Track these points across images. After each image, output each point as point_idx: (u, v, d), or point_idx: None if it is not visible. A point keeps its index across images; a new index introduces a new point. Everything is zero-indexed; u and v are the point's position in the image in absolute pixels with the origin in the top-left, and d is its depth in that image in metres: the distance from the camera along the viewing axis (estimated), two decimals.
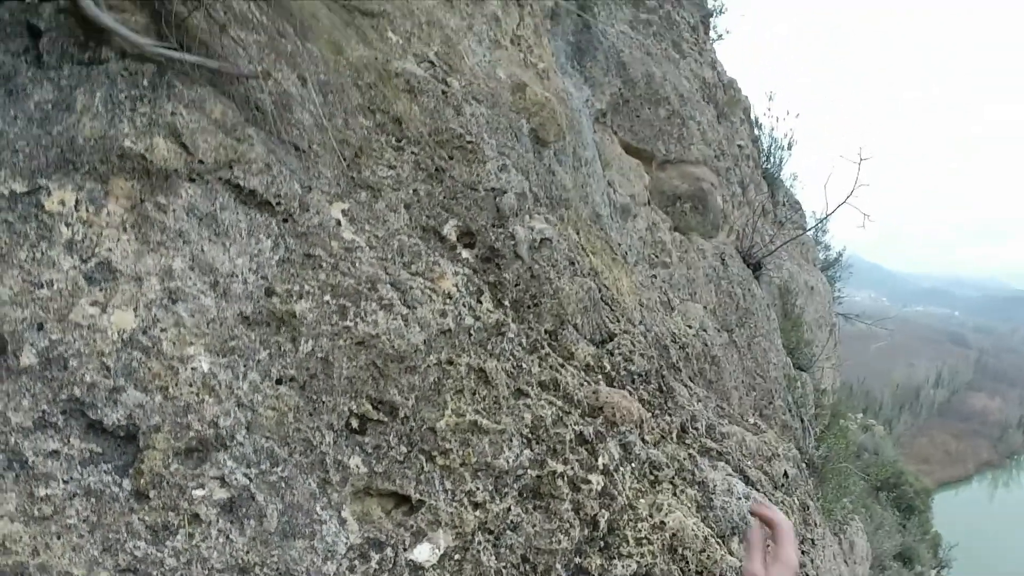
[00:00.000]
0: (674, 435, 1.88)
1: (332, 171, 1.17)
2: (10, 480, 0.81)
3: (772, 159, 6.07)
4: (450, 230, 1.43)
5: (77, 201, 0.88)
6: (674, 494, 1.56)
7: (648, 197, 3.33)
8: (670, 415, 1.94)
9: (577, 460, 1.34)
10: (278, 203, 1.04)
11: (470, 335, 1.28)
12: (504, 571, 1.15)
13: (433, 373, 1.18)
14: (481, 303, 1.41)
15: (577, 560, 1.24)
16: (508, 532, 1.16)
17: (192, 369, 0.94)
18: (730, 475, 1.91)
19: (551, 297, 1.65)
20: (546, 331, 1.59)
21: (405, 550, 1.05)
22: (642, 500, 1.45)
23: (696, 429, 2.10)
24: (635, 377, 1.89)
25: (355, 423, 1.08)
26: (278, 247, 1.04)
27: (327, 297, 1.08)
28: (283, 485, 0.98)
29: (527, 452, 1.26)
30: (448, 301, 1.29)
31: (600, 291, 2.08)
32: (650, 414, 1.81)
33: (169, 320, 0.94)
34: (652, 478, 1.56)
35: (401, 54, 1.41)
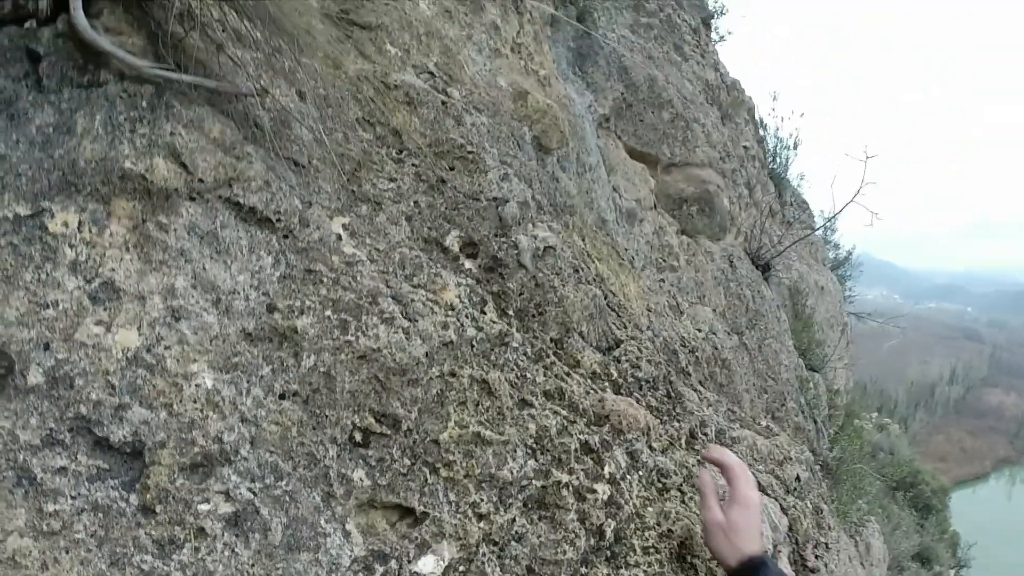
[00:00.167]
0: (683, 441, 1.88)
1: (332, 185, 1.19)
2: (19, 496, 0.82)
3: (778, 159, 6.05)
4: (452, 241, 1.44)
5: (80, 223, 0.89)
6: (682, 501, 1.55)
7: (654, 201, 3.33)
8: (679, 421, 1.94)
9: (583, 469, 1.34)
10: (278, 219, 1.05)
11: (472, 346, 1.29)
12: None
13: (436, 385, 1.19)
14: (484, 313, 1.42)
15: (583, 570, 1.24)
16: (513, 543, 1.16)
17: (196, 386, 0.96)
18: None
19: (556, 305, 1.65)
20: (551, 339, 1.59)
21: (409, 562, 1.06)
22: (650, 508, 1.45)
23: (705, 435, 2.09)
24: (643, 383, 1.88)
25: (358, 436, 1.09)
26: (279, 263, 1.05)
27: (328, 312, 1.09)
28: (287, 499, 0.99)
29: (532, 462, 1.27)
30: (450, 313, 1.30)
31: (606, 297, 2.08)
32: (658, 421, 1.80)
33: (173, 338, 0.95)
34: (660, 486, 1.56)
35: (400, 66, 1.42)
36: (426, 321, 1.22)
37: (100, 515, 0.86)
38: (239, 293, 1.01)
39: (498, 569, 1.14)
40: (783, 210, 5.59)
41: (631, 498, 1.42)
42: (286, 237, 1.07)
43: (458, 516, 1.13)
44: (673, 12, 3.62)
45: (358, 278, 1.16)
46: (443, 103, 1.49)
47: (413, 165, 1.40)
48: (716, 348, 3.42)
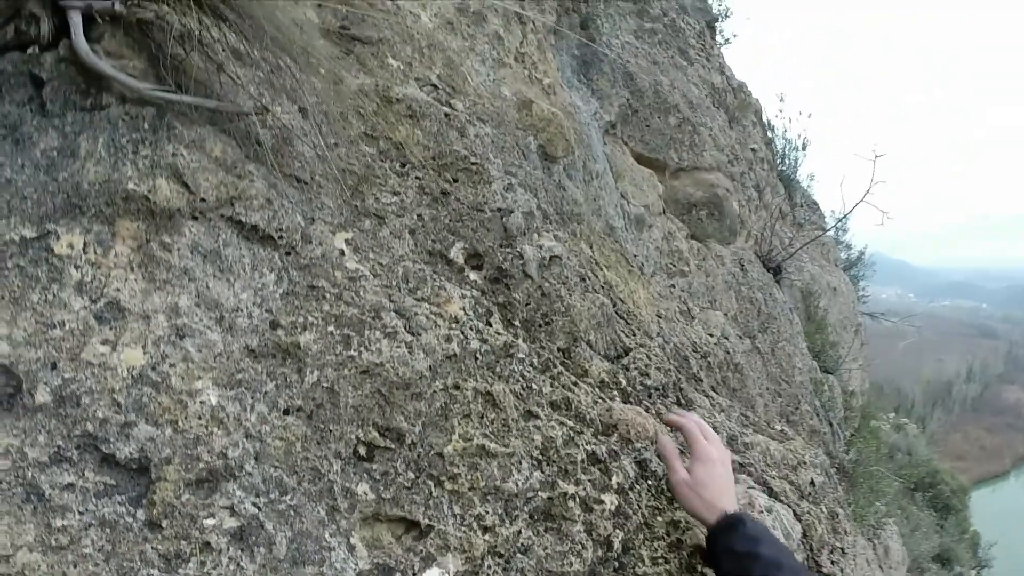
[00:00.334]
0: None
1: (335, 201, 1.19)
2: (28, 512, 0.83)
3: (787, 161, 6.01)
4: (457, 253, 1.44)
5: (85, 244, 0.90)
6: None
7: (663, 206, 3.32)
8: None
9: (589, 480, 1.34)
10: (280, 237, 1.05)
11: (476, 359, 1.29)
12: None
13: (439, 399, 1.19)
14: (490, 325, 1.41)
15: None
16: (518, 555, 1.16)
17: (201, 402, 0.96)
18: (752, 487, 1.88)
19: (563, 315, 1.65)
20: (559, 349, 1.58)
21: (414, 575, 1.05)
22: (659, 518, 1.44)
23: None
24: (652, 391, 1.87)
25: (362, 451, 1.09)
26: (282, 280, 1.06)
27: (331, 328, 1.09)
28: (292, 513, 1.00)
29: (537, 474, 1.26)
30: (454, 325, 1.30)
31: (615, 305, 2.07)
32: (668, 429, 1.79)
33: (177, 356, 0.96)
34: (670, 495, 1.55)
35: (402, 79, 1.42)
36: (429, 334, 1.22)
37: (107, 530, 0.87)
38: (242, 310, 1.02)
39: None
40: (793, 212, 5.55)
41: (640, 508, 1.41)
42: (288, 254, 1.07)
43: (463, 529, 1.13)
44: (677, 16, 3.60)
45: (361, 293, 1.16)
46: (446, 115, 1.49)
47: (416, 178, 1.41)
48: (728, 353, 3.39)
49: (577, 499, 1.30)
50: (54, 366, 0.87)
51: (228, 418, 0.98)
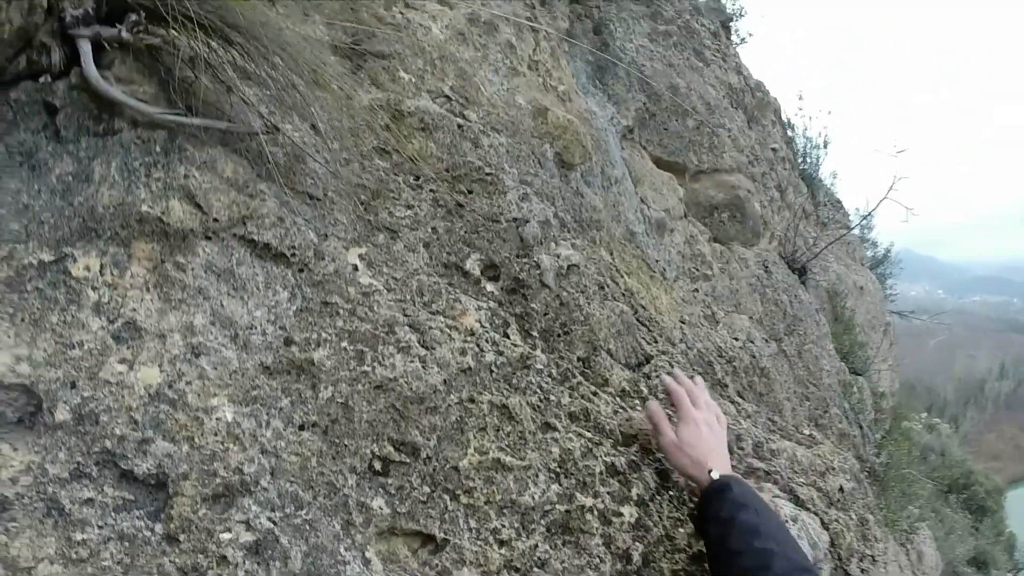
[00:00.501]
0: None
1: (348, 216, 1.19)
2: (49, 526, 0.84)
3: (808, 159, 5.91)
4: (473, 264, 1.44)
5: (102, 266, 0.91)
6: None
7: (684, 210, 3.28)
8: None
9: (608, 492, 1.32)
10: (293, 254, 1.06)
11: (491, 371, 1.28)
12: None
13: (455, 412, 1.18)
14: (507, 336, 1.41)
15: None
16: (535, 569, 1.15)
17: (217, 419, 0.97)
18: (777, 496, 1.85)
19: (582, 324, 1.63)
20: (578, 359, 1.57)
21: None
22: (680, 529, 1.42)
23: (742, 449, 2.04)
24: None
25: (378, 465, 1.09)
26: (295, 297, 1.06)
27: (344, 343, 1.09)
28: (307, 527, 1.00)
29: (555, 487, 1.25)
30: (470, 338, 1.29)
31: (636, 312, 2.05)
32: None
33: (193, 373, 0.97)
34: (691, 505, 1.53)
35: (414, 92, 1.42)
36: (444, 348, 1.22)
37: (126, 543, 0.89)
38: (256, 328, 1.02)
39: None
40: (817, 211, 5.44)
41: (661, 520, 1.39)
42: (301, 271, 1.08)
43: (479, 543, 1.12)
44: (691, 17, 3.56)
45: (375, 308, 1.16)
46: (459, 126, 1.49)
47: (431, 191, 1.41)
48: (754, 357, 3.34)
49: (595, 512, 1.28)
50: (73, 385, 0.89)
51: (244, 434, 0.99)
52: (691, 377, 1.62)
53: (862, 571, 2.27)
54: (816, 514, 1.97)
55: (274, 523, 0.97)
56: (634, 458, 1.45)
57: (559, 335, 1.55)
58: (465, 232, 1.46)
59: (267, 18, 0.90)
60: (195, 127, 0.94)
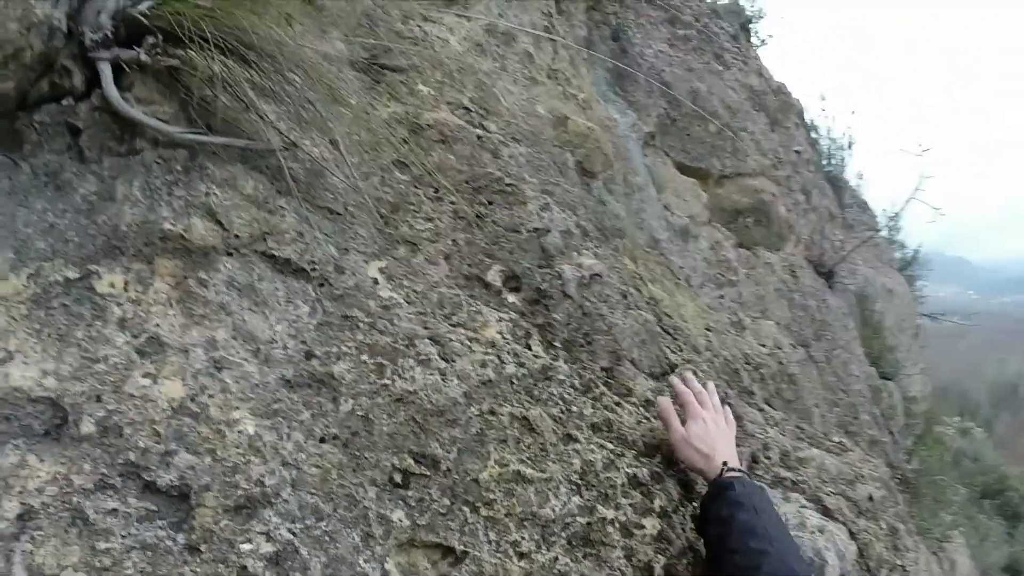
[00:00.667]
0: (743, 467, 1.79)
1: (368, 230, 1.19)
2: (74, 535, 0.85)
3: (833, 160, 5.79)
4: (494, 276, 1.43)
5: (126, 282, 0.93)
6: None
7: (708, 215, 3.24)
8: (738, 446, 1.85)
9: (630, 504, 1.30)
10: (313, 269, 1.06)
11: (512, 383, 1.27)
12: None
13: (475, 425, 1.18)
14: (529, 348, 1.39)
15: None
16: None
17: (238, 432, 0.98)
18: (804, 506, 1.81)
19: (604, 333, 1.61)
20: (601, 369, 1.55)
21: None
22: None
23: (768, 458, 2.00)
24: None
25: (398, 477, 1.08)
26: (316, 311, 1.06)
27: (364, 357, 1.09)
28: (327, 539, 1.00)
29: (576, 499, 1.24)
30: (491, 350, 1.28)
31: (660, 320, 2.02)
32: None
33: (215, 387, 0.97)
34: None
35: (433, 105, 1.42)
36: (464, 360, 1.21)
37: (149, 553, 0.89)
38: (277, 342, 1.03)
39: None
40: (843, 213, 5.33)
41: (684, 532, 1.36)
42: (322, 285, 1.08)
43: (498, 555, 1.11)
44: (710, 21, 3.51)
45: (395, 321, 1.16)
46: (479, 138, 1.48)
47: (451, 203, 1.40)
48: (782, 363, 3.27)
49: (617, 524, 1.26)
50: (98, 399, 0.90)
51: (265, 446, 0.99)
52: (703, 383, 1.61)
53: None
54: (844, 524, 1.92)
55: (294, 534, 0.97)
56: (657, 469, 1.43)
57: (582, 345, 1.54)
58: (486, 243, 1.45)
59: (283, 37, 0.90)
60: (215, 145, 0.94)
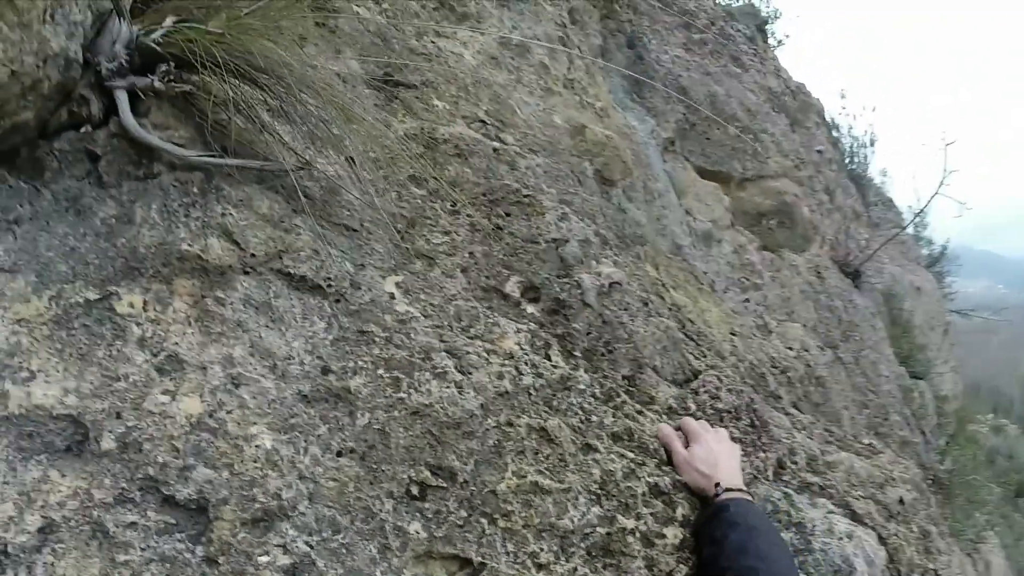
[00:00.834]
0: (769, 473, 1.74)
1: (385, 245, 1.18)
2: (94, 547, 0.85)
3: (856, 159, 5.63)
4: (513, 287, 1.41)
5: (145, 302, 0.93)
6: None
7: (731, 219, 3.18)
8: (764, 451, 1.79)
9: (651, 514, 1.27)
10: (329, 285, 1.05)
11: (530, 394, 1.24)
12: None
13: (492, 436, 1.15)
14: (548, 358, 1.37)
15: None
16: None
17: (256, 446, 0.97)
18: (832, 512, 1.74)
19: (625, 341, 1.58)
20: (623, 377, 1.51)
21: None
22: None
23: (795, 463, 1.93)
24: (723, 415, 1.76)
25: (415, 490, 1.07)
26: (332, 327, 1.05)
27: (380, 371, 1.08)
28: (344, 551, 0.98)
29: (595, 509, 1.20)
30: (508, 362, 1.26)
31: (683, 327, 1.97)
32: (741, 453, 1.68)
33: (233, 403, 0.97)
34: None
35: (448, 119, 1.41)
36: (481, 373, 1.19)
37: (167, 565, 0.89)
38: (294, 358, 1.02)
39: None
40: (868, 211, 5.17)
41: None
42: (338, 301, 1.07)
43: (516, 566, 1.08)
44: (726, 24, 3.43)
45: (411, 335, 1.15)
46: (495, 150, 1.46)
47: (468, 216, 1.38)
48: (809, 366, 3.19)
49: (638, 533, 1.23)
50: (118, 415, 0.90)
51: (282, 460, 0.98)
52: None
53: None
54: (873, 529, 1.85)
55: (311, 547, 0.96)
56: (680, 477, 1.39)
57: (603, 354, 1.50)
58: (504, 255, 1.43)
59: (291, 59, 0.89)
60: (230, 167, 0.94)
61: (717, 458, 1.35)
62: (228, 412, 0.96)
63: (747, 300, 3.09)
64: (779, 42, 4.96)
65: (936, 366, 5.01)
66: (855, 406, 3.48)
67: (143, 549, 0.87)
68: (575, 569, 1.13)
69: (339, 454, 1.03)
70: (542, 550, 1.12)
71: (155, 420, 0.91)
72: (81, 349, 0.89)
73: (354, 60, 1.25)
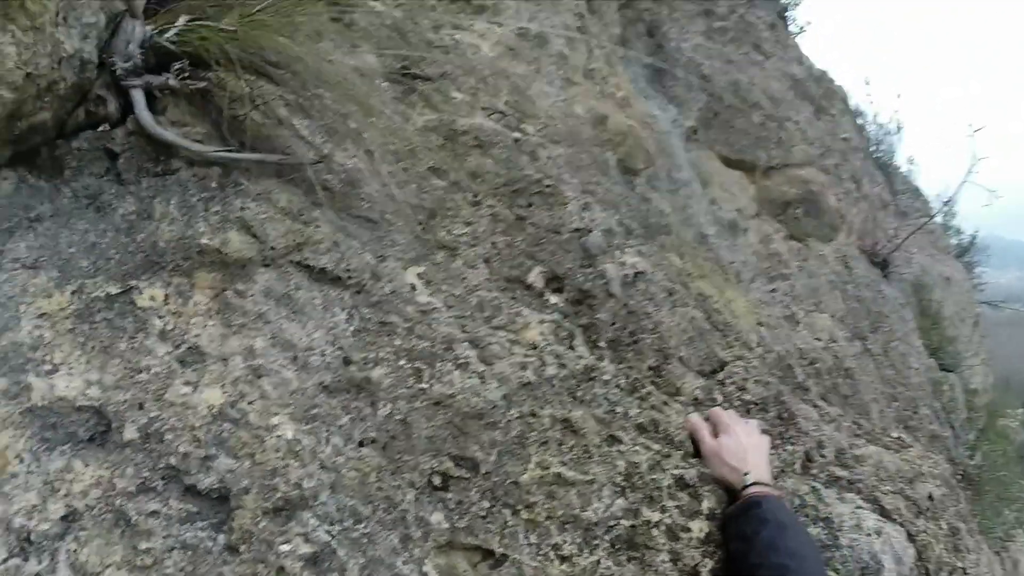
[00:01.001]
0: (797, 466, 1.69)
1: (406, 237, 1.16)
2: (117, 535, 0.85)
3: (882, 146, 5.45)
4: (536, 278, 1.38)
5: (166, 296, 0.92)
6: None
7: (756, 208, 3.10)
8: (792, 444, 1.74)
9: (677, 507, 1.23)
10: (349, 277, 1.03)
11: (553, 385, 1.21)
12: None
13: (515, 427, 1.13)
14: (573, 348, 1.34)
15: None
16: None
17: (277, 436, 0.96)
18: (860, 507, 1.68)
19: (651, 332, 1.54)
20: (648, 368, 1.48)
21: None
22: None
23: (823, 456, 1.86)
24: (750, 407, 1.70)
25: (437, 480, 1.05)
26: (353, 318, 1.04)
27: (402, 362, 1.06)
28: (365, 541, 0.97)
29: (620, 501, 1.17)
30: (531, 352, 1.23)
31: (709, 317, 1.92)
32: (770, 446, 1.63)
33: (254, 394, 0.96)
34: None
35: (468, 111, 1.38)
36: (503, 363, 1.16)
37: (189, 553, 0.88)
38: (315, 349, 1.00)
39: None
40: (895, 200, 5.00)
41: None
42: (358, 292, 1.05)
43: (539, 559, 1.06)
44: (746, 11, 3.32)
45: (433, 326, 1.12)
46: (516, 140, 1.43)
47: (489, 207, 1.35)
48: (837, 357, 3.09)
49: (663, 526, 1.19)
50: (140, 406, 0.89)
51: (304, 450, 0.97)
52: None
53: None
54: (902, 525, 1.78)
55: (332, 536, 0.95)
56: (706, 469, 1.34)
57: (628, 344, 1.47)
58: (526, 245, 1.40)
59: (304, 54, 0.88)
60: (248, 162, 0.93)
61: (746, 451, 1.30)
62: (249, 403, 0.95)
63: (774, 290, 3.01)
64: (801, 29, 4.80)
65: (966, 358, 4.85)
66: (884, 399, 3.38)
67: (165, 537, 0.87)
68: (598, 562, 1.10)
69: (361, 444, 1.01)
70: (565, 542, 1.09)
71: (177, 411, 0.90)
72: (103, 342, 0.88)
73: (371, 54, 1.22)
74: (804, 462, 1.71)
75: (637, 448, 1.27)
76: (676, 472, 1.28)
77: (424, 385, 1.07)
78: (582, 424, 1.22)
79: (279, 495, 0.93)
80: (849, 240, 3.88)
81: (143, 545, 0.84)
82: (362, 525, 0.97)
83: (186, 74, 0.87)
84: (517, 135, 1.46)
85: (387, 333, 1.07)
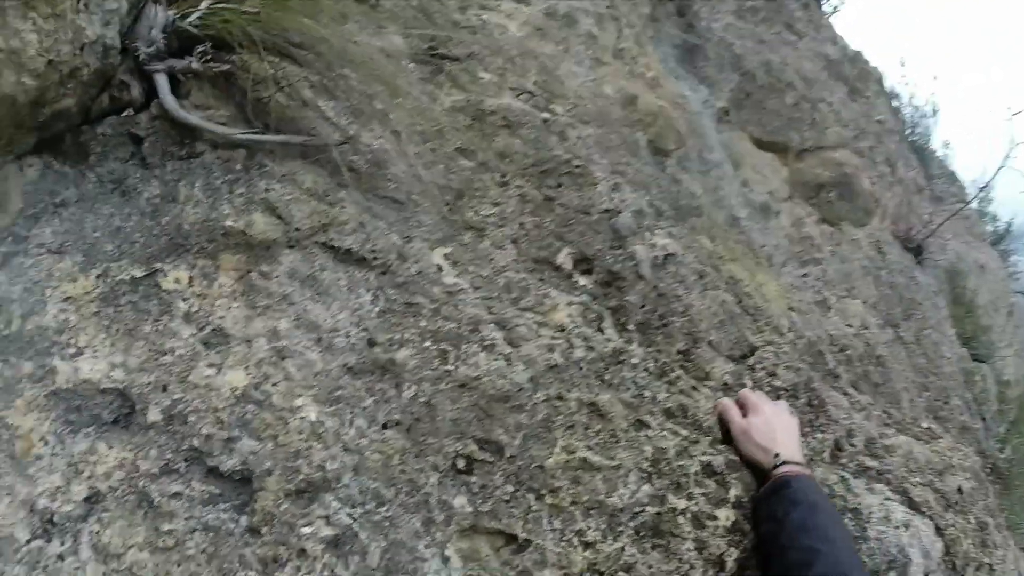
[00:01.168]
0: (826, 454, 1.62)
1: (433, 218, 1.12)
2: (139, 517, 0.84)
3: (917, 130, 5.21)
4: (564, 259, 1.33)
5: (191, 278, 0.90)
6: None
7: (789, 191, 2.98)
8: (821, 432, 1.67)
9: (703, 494, 1.18)
10: (374, 258, 1.00)
11: (580, 368, 1.17)
12: None
13: (541, 411, 1.09)
14: (601, 331, 1.29)
15: None
16: (620, 573, 1.04)
17: (301, 418, 0.94)
18: (889, 498, 1.60)
19: (681, 315, 1.48)
20: (677, 352, 1.42)
21: None
22: None
23: (853, 446, 1.79)
24: (780, 393, 1.64)
25: (461, 464, 1.01)
26: (378, 299, 1.00)
27: (427, 343, 1.03)
28: (387, 524, 0.94)
29: (646, 487, 1.13)
30: (559, 334, 1.19)
31: (740, 301, 1.85)
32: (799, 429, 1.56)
33: (278, 375, 0.93)
34: None
35: (495, 91, 1.32)
36: (530, 345, 1.12)
37: (211, 534, 0.87)
38: (340, 330, 0.97)
39: None
40: (930, 184, 4.78)
41: None
42: (384, 273, 1.02)
43: (562, 544, 1.02)
44: None
45: (459, 307, 1.08)
46: (544, 121, 1.37)
47: (517, 187, 1.31)
48: (869, 344, 2.98)
49: (689, 514, 1.14)
50: (164, 388, 0.88)
51: (327, 432, 0.94)
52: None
53: None
54: (931, 518, 1.70)
55: (354, 519, 0.93)
56: (733, 457, 1.29)
57: (657, 328, 1.41)
58: (555, 226, 1.35)
59: (327, 35, 0.84)
60: (273, 144, 0.90)
61: (776, 431, 1.26)
62: (273, 384, 0.92)
63: (806, 275, 2.90)
64: (834, 8, 4.59)
65: (999, 349, 4.65)
66: (915, 388, 3.25)
67: (187, 518, 0.85)
68: (622, 549, 1.06)
69: (384, 427, 0.98)
70: (589, 528, 1.05)
71: (200, 393, 0.89)
72: (128, 325, 0.87)
73: (397, 35, 1.18)
74: (833, 451, 1.64)
75: (665, 433, 1.23)
76: (704, 459, 1.23)
77: (449, 367, 1.04)
78: (609, 408, 1.18)
79: (302, 477, 0.91)
80: (883, 225, 3.73)
81: (165, 526, 0.83)
82: (384, 508, 0.94)
83: (209, 57, 0.85)
84: (546, 115, 1.40)
85: (412, 314, 1.03)
